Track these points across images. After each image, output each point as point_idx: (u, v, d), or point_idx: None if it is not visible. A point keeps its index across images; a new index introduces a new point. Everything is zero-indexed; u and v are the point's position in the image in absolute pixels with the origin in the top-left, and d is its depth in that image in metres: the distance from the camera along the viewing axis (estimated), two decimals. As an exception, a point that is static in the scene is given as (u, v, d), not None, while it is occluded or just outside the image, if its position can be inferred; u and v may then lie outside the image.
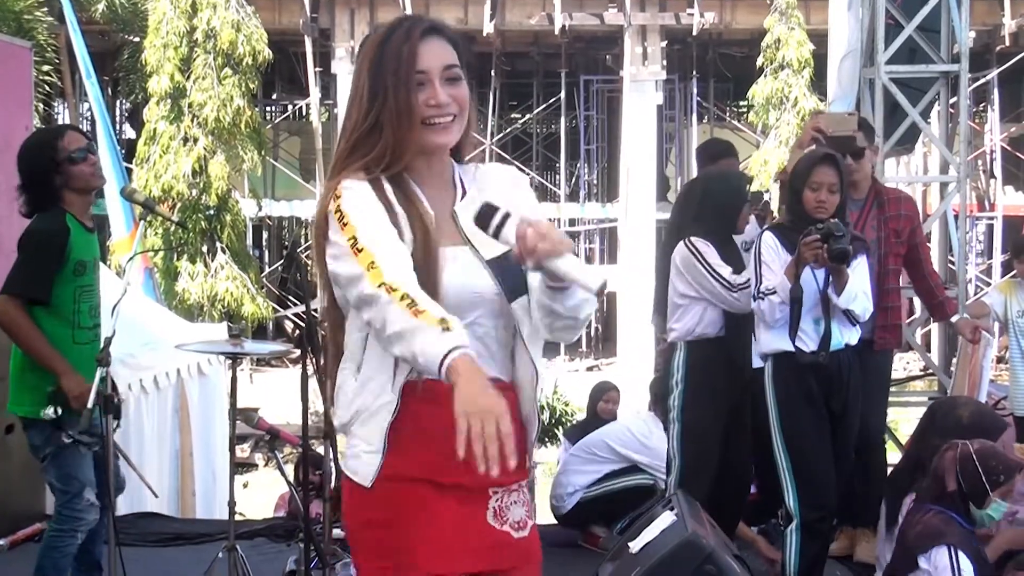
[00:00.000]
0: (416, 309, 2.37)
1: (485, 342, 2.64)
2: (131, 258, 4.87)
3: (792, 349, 5.05)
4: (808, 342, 5.07)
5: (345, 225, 2.49)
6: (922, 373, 19.29)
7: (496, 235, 2.50)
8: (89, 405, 4.37)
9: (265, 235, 29.31)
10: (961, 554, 4.20)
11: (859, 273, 5.13)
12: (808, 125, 5.43)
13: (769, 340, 5.16)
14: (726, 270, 5.41)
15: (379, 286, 2.41)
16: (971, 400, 5.80)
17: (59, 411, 4.54)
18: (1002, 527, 4.77)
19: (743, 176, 6.70)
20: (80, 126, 23.92)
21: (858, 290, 5.07)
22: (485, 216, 2.51)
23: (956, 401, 5.12)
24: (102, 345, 4.56)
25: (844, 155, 5.60)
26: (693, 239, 5.48)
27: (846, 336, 5.14)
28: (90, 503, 4.74)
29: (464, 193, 2.71)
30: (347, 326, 2.64)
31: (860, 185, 5.87)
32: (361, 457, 2.58)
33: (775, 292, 5.00)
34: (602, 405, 8.55)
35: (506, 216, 2.49)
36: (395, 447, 2.56)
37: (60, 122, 26.46)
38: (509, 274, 2.65)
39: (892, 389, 6.74)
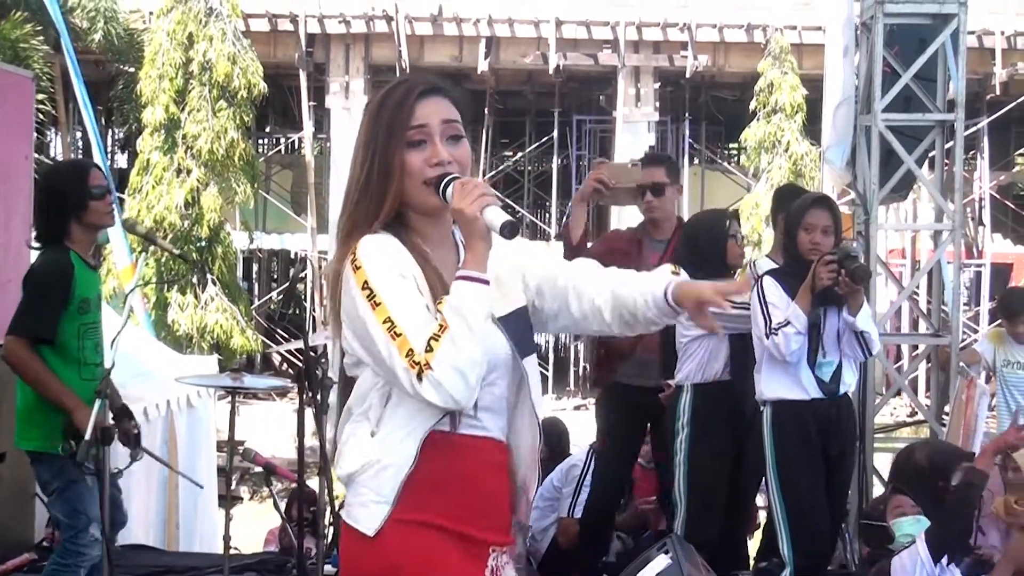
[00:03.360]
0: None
1: (498, 402, 2.66)
2: (132, 290, 4.88)
3: (792, 397, 5.06)
4: (809, 389, 5.09)
5: (377, 305, 2.48)
6: (911, 420, 19.35)
7: (445, 199, 2.57)
8: (87, 437, 4.38)
9: (256, 268, 29.27)
10: None
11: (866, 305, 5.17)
12: (591, 176, 5.39)
13: (770, 387, 5.17)
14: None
15: (414, 365, 2.44)
16: (924, 442, 5.86)
17: (75, 445, 4.55)
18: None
19: (723, 212, 6.63)
20: (72, 155, 23.96)
21: (870, 316, 5.11)
22: (438, 182, 2.58)
23: (911, 449, 5.17)
24: (101, 377, 4.58)
25: (641, 197, 5.67)
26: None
27: (848, 380, 5.17)
28: (95, 538, 4.77)
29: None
30: (362, 378, 2.63)
31: (662, 224, 5.85)
32: (368, 507, 2.58)
33: (789, 323, 5.00)
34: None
35: (449, 182, 2.57)
36: (405, 498, 2.56)
37: (53, 151, 26.50)
38: (520, 331, 2.67)
39: (880, 435, 6.78)
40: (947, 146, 7.66)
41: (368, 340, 2.49)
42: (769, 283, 5.21)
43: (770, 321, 5.07)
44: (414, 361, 2.42)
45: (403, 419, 2.56)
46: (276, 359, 25.60)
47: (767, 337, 5.04)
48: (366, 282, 2.49)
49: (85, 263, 4.90)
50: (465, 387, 2.44)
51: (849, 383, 5.22)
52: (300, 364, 5.24)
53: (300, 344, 5.31)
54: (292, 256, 29.34)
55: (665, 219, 5.83)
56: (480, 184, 2.56)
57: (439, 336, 2.43)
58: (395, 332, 2.45)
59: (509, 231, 2.50)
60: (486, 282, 2.52)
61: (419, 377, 2.41)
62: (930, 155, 7.86)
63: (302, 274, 27.11)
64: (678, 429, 5.58)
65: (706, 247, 5.49)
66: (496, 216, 2.52)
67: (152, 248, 4.62)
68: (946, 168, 7.84)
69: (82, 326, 4.85)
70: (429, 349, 2.42)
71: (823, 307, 5.03)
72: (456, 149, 2.62)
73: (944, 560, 4.36)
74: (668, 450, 5.68)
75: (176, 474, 8.67)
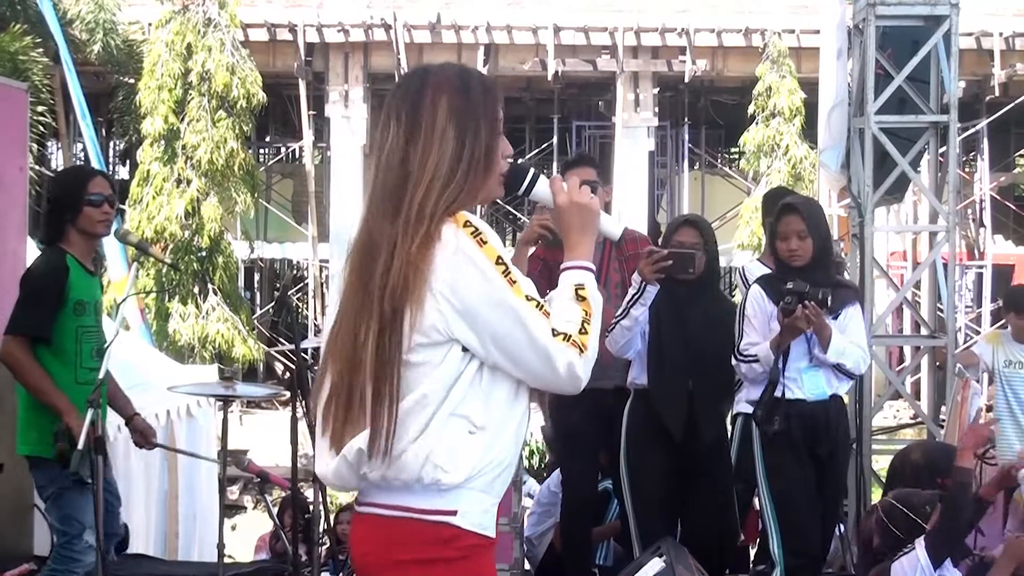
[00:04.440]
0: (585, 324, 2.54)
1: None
2: (123, 300, 4.92)
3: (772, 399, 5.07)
4: (796, 390, 5.10)
5: (514, 283, 2.49)
6: (912, 422, 19.34)
7: (528, 192, 2.69)
8: (80, 446, 4.40)
9: (257, 277, 29.28)
10: None
11: (853, 324, 5.15)
12: (535, 221, 5.38)
13: (755, 389, 5.19)
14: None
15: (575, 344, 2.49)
16: (920, 443, 5.87)
17: (66, 449, 4.57)
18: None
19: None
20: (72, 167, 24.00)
21: (848, 344, 5.08)
22: (519, 175, 2.69)
23: (907, 450, 5.19)
24: (93, 387, 4.59)
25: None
26: None
27: (835, 387, 5.17)
28: (89, 545, 4.78)
29: None
30: (443, 366, 2.52)
31: None
32: (490, 512, 2.58)
33: (757, 360, 5.05)
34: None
35: (536, 175, 2.68)
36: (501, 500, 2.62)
37: (54, 163, 26.53)
38: None
39: (882, 437, 6.79)
40: (941, 148, 7.68)
41: (507, 316, 2.47)
42: (755, 293, 5.23)
43: (740, 340, 5.12)
44: (574, 341, 2.47)
45: (501, 413, 2.55)
46: (279, 368, 25.62)
47: (735, 357, 5.13)
48: (500, 257, 2.49)
49: (82, 267, 4.95)
50: None
51: (837, 386, 5.21)
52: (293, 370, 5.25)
53: (302, 344, 5.33)
54: (294, 264, 29.36)
55: None
56: (579, 181, 2.72)
57: (589, 321, 2.51)
58: (545, 311, 2.48)
59: (623, 238, 2.73)
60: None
61: (580, 355, 2.47)
62: (926, 157, 7.87)
63: (298, 283, 27.06)
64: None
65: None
66: (611, 222, 2.80)
67: (135, 258, 4.68)
68: (941, 169, 7.85)
69: (80, 329, 4.89)
70: (584, 332, 2.49)
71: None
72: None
73: (948, 562, 4.38)
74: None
75: (176, 486, 8.72)
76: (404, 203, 2.53)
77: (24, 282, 4.94)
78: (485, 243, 2.49)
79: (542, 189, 2.67)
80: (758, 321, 5.12)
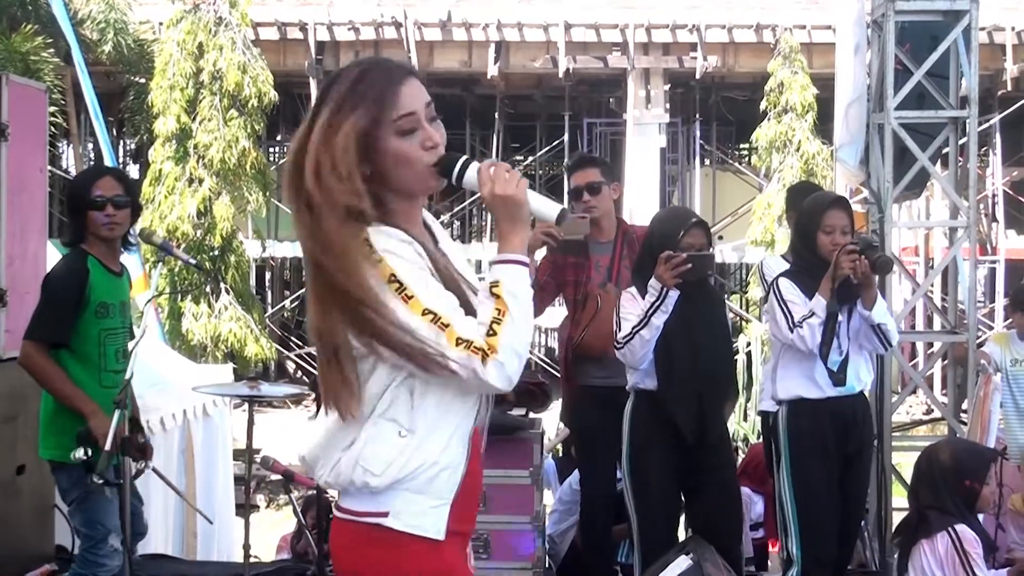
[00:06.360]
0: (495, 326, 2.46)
1: None
2: (148, 301, 4.90)
3: (808, 395, 5.05)
4: (824, 386, 5.08)
5: (410, 298, 2.45)
6: (927, 418, 19.29)
7: (459, 181, 2.56)
8: (107, 448, 4.38)
9: (268, 276, 29.31)
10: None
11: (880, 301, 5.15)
12: (539, 227, 5.38)
13: (784, 386, 5.17)
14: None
15: (476, 351, 2.44)
16: (949, 442, 5.85)
17: (89, 453, 4.53)
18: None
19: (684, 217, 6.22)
20: (84, 167, 24.04)
21: (886, 308, 5.09)
22: (448, 164, 2.56)
23: (934, 448, 5.16)
24: (120, 388, 4.57)
25: (578, 200, 5.67)
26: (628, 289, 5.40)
27: (864, 380, 5.15)
28: (114, 549, 4.75)
29: (432, 234, 2.71)
30: (374, 378, 2.55)
31: (604, 226, 5.83)
32: (429, 513, 2.55)
33: (813, 314, 4.99)
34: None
35: (466, 163, 2.56)
36: (456, 500, 2.58)
37: (65, 163, 26.57)
38: None
39: (896, 433, 6.78)
40: (960, 142, 7.65)
41: (405, 332, 2.45)
42: (784, 283, 5.22)
43: (792, 317, 5.05)
44: (476, 347, 2.43)
45: (437, 415, 2.54)
46: (291, 367, 25.64)
47: (791, 331, 5.03)
48: (393, 275, 2.45)
49: (105, 268, 4.90)
50: (520, 369, 2.48)
51: (865, 381, 5.21)
52: (315, 370, 5.24)
53: (314, 349, 5.32)
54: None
55: (604, 217, 5.82)
56: (508, 166, 2.58)
57: (500, 320, 2.44)
58: (441, 323, 2.43)
59: (563, 220, 2.57)
60: (528, 266, 2.54)
61: (483, 362, 2.42)
62: (944, 152, 7.83)
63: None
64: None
65: (659, 249, 5.23)
66: (544, 205, 2.59)
67: (164, 258, 4.61)
68: (960, 165, 7.82)
69: (103, 331, 4.84)
70: (492, 333, 2.43)
71: (840, 303, 5.02)
72: (439, 130, 2.61)
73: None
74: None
75: (193, 486, 8.72)
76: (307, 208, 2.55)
77: (44, 286, 4.91)
78: (379, 262, 2.46)
79: (472, 178, 2.56)
80: (800, 300, 5.09)
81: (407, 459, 2.52)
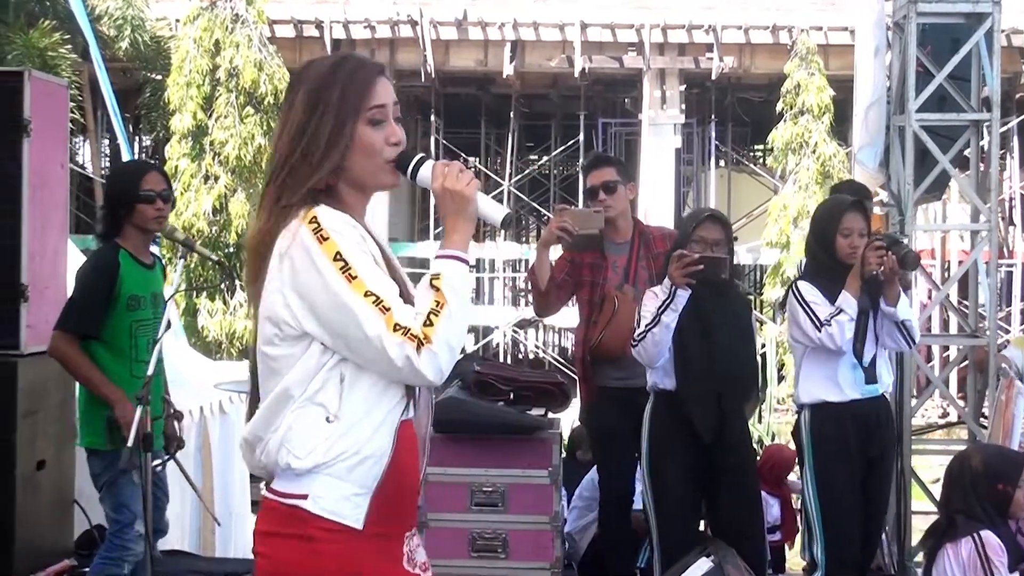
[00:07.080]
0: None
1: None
2: (169, 298, 4.96)
3: (831, 399, 5.04)
4: (848, 389, 5.07)
5: (354, 279, 2.47)
6: (943, 422, 19.22)
7: (414, 177, 2.62)
8: (129, 443, 4.45)
9: (282, 273, 29.37)
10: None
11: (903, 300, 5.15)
12: (553, 223, 5.35)
13: (807, 390, 5.16)
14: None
15: (412, 338, 2.45)
16: (980, 447, 5.83)
17: (118, 440, 4.64)
18: None
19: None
20: (100, 163, 24.11)
21: (908, 304, 5.09)
22: (404, 160, 2.63)
23: (966, 453, 5.15)
24: (143, 383, 4.64)
25: (593, 199, 5.67)
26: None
27: (886, 382, 5.14)
28: (140, 534, 4.90)
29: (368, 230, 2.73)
30: (304, 359, 2.56)
31: (620, 226, 5.82)
32: (351, 500, 2.55)
33: (841, 311, 4.97)
34: (580, 455, 8.10)
35: (421, 160, 2.62)
36: (379, 492, 2.56)
37: (81, 159, 26.65)
38: None
39: (913, 437, 6.78)
40: (981, 144, 7.63)
41: (343, 313, 2.47)
42: (804, 285, 5.21)
43: (817, 317, 5.03)
44: (412, 335, 2.44)
45: (364, 404, 2.55)
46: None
47: (819, 330, 5.00)
48: (338, 253, 2.48)
49: (137, 261, 5.02)
50: (452, 363, 2.51)
51: (887, 383, 5.21)
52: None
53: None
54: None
55: (620, 216, 5.82)
56: (462, 166, 2.62)
57: (438, 312, 2.47)
58: (383, 306, 2.46)
59: (507, 224, 2.64)
60: (468, 263, 2.58)
61: (418, 351, 2.44)
62: (963, 155, 7.82)
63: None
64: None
65: (676, 246, 5.27)
66: (491, 207, 2.64)
67: (182, 254, 4.66)
68: (981, 168, 7.80)
69: (134, 323, 4.98)
70: (429, 324, 2.45)
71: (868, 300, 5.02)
72: (401, 131, 2.67)
73: None
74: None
75: (211, 482, 8.74)
76: (264, 196, 2.64)
77: (77, 279, 5.06)
78: (326, 239, 2.49)
79: (426, 175, 2.62)
80: (821, 299, 5.07)
81: (331, 444, 2.53)
